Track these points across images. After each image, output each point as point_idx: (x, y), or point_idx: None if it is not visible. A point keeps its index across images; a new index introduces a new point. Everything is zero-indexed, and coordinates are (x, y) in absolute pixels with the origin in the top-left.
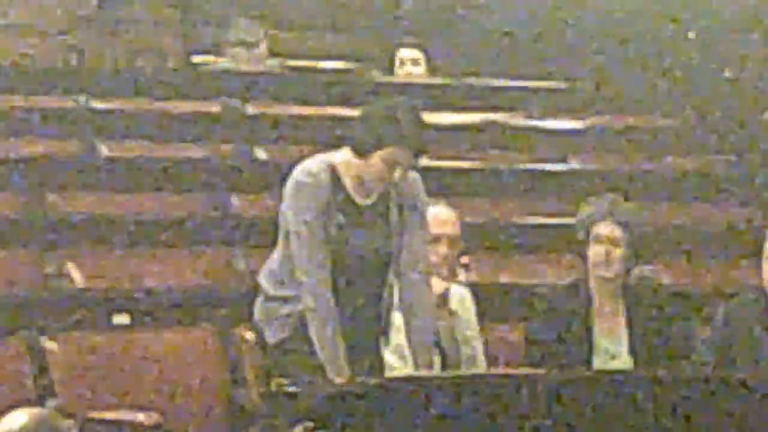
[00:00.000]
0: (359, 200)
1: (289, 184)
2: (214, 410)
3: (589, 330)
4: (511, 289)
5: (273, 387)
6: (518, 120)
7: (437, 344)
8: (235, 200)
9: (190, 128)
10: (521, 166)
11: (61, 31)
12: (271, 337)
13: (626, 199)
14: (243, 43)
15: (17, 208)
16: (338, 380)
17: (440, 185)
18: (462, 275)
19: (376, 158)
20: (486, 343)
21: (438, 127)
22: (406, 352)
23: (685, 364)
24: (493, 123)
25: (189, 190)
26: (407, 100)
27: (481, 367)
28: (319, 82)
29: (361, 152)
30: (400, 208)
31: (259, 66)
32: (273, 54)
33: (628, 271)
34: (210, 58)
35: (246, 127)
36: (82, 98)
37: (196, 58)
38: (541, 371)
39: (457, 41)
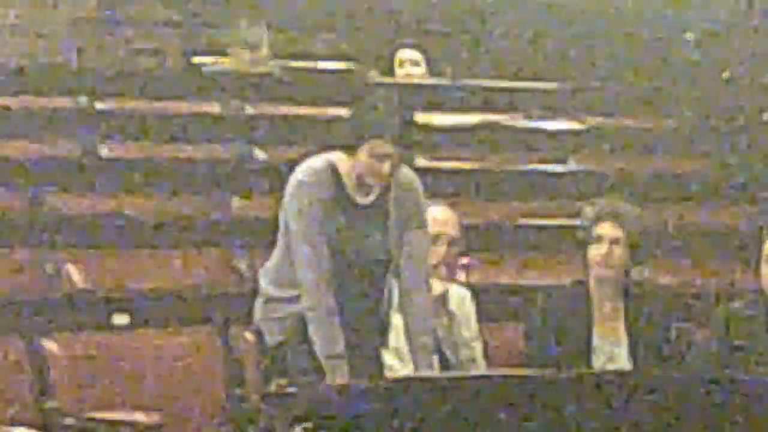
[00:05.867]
0: (360, 200)
1: (291, 183)
2: (213, 411)
3: (589, 330)
4: (511, 289)
5: (273, 387)
6: (518, 120)
7: (437, 345)
8: (235, 201)
9: (190, 128)
10: (521, 166)
11: (61, 31)
12: (270, 338)
13: (626, 200)
14: (245, 45)
15: (17, 208)
16: (338, 381)
17: (440, 185)
18: (462, 276)
19: (362, 153)
20: (486, 344)
21: (438, 128)
22: (406, 352)
23: (684, 364)
24: (493, 123)
25: (189, 191)
26: (389, 93)
27: (480, 367)
28: (319, 82)
29: (349, 150)
30: (400, 209)
31: (261, 67)
32: (273, 54)
33: (628, 272)
34: (210, 58)
35: (246, 128)
36: (82, 98)
37: (197, 59)
38: (541, 371)
39: (457, 42)
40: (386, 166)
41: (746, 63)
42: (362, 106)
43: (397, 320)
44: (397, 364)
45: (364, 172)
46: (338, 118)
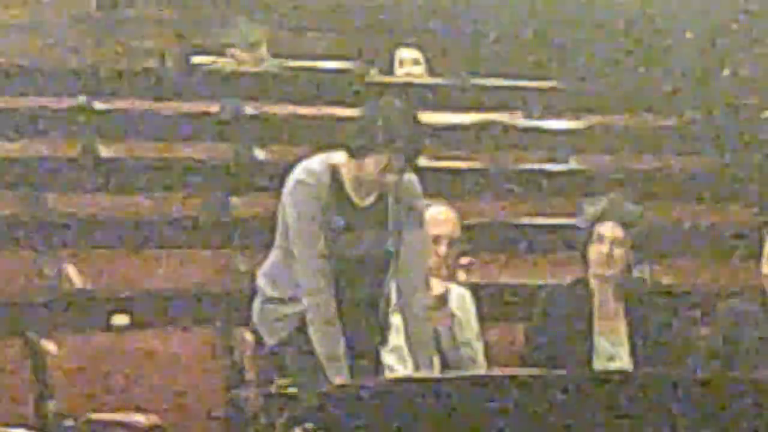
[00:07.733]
0: (358, 201)
1: (290, 183)
2: (213, 411)
3: (589, 330)
4: (511, 289)
5: (273, 388)
6: (518, 120)
7: (437, 345)
8: (234, 201)
9: (190, 128)
10: (521, 166)
11: (61, 31)
12: (270, 339)
13: (627, 199)
14: (244, 45)
15: (17, 208)
16: (338, 381)
17: (440, 185)
18: (462, 276)
19: (370, 162)
20: (486, 344)
21: (438, 127)
22: (406, 353)
23: (685, 364)
24: (493, 123)
25: (189, 190)
26: (404, 103)
27: (481, 367)
28: (319, 82)
29: (355, 154)
30: (399, 209)
31: (261, 67)
32: (273, 54)
33: (628, 271)
34: (210, 58)
35: (246, 127)
36: (82, 98)
37: (196, 59)
38: (541, 371)
39: (457, 41)
40: (390, 177)
41: (746, 63)
42: (375, 112)
43: (397, 320)
44: (397, 364)
45: (367, 179)
46: (338, 118)
